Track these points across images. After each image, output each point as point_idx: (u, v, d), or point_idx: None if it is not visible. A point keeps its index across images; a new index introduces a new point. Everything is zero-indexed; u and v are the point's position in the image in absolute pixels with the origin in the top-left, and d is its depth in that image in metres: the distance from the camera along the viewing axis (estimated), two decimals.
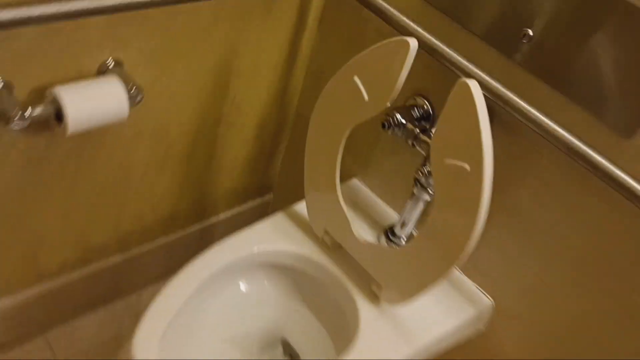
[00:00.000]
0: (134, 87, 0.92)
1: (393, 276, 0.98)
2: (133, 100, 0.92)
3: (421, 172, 0.99)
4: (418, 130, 1.01)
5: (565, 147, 0.85)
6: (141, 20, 0.92)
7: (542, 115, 0.86)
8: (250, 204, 1.46)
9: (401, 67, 0.84)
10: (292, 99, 1.30)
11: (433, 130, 0.98)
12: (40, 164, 0.97)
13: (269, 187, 1.48)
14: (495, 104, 0.90)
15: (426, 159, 1.00)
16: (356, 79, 0.90)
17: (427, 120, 1.05)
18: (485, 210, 0.81)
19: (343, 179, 1.24)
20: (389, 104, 0.88)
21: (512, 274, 1.03)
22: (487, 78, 0.90)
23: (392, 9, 0.98)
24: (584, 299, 0.94)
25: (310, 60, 1.23)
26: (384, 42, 0.85)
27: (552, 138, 0.86)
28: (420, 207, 1.05)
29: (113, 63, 0.93)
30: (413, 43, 0.82)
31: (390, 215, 1.19)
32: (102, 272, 1.24)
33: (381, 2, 0.99)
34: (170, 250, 1.34)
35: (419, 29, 0.96)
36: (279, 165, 1.44)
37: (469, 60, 0.92)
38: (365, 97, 0.89)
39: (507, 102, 0.89)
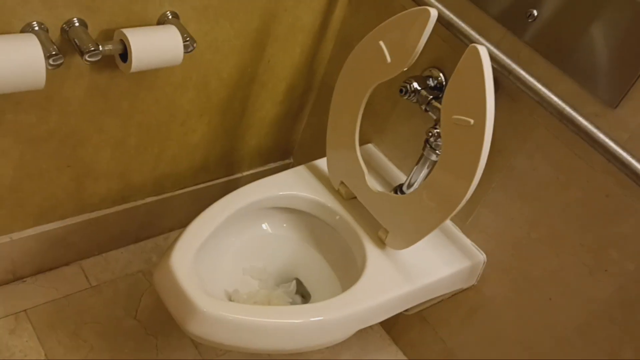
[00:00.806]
0: (188, 37, 1.06)
1: (398, 222, 1.11)
2: (187, 48, 1.06)
3: (431, 133, 1.12)
4: (431, 97, 1.14)
5: (559, 114, 0.98)
6: None
7: (541, 85, 0.99)
8: (272, 165, 1.59)
9: (422, 33, 0.97)
10: (319, 66, 1.43)
11: (442, 96, 1.12)
12: (101, 97, 1.10)
13: (290, 151, 1.61)
14: (501, 74, 1.04)
15: (436, 123, 1.13)
16: (381, 43, 1.03)
17: (440, 90, 1.18)
18: (484, 159, 0.94)
19: (360, 144, 1.37)
20: (407, 67, 1.01)
21: (504, 231, 1.16)
22: (495, 50, 1.04)
23: None
24: (567, 252, 1.07)
25: (340, 32, 1.37)
26: (408, 10, 0.98)
27: (548, 105, 0.99)
28: (427, 167, 1.18)
29: (170, 15, 1.07)
30: (433, 12, 0.95)
31: (401, 177, 1.32)
32: (137, 210, 1.38)
33: None
34: (198, 199, 1.48)
35: (439, 5, 1.09)
36: (301, 130, 1.57)
37: (480, 34, 1.06)
38: (388, 59, 1.03)
39: (511, 71, 1.02)
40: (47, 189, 1.19)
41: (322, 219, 1.22)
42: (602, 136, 0.95)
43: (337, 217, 1.20)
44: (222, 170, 1.49)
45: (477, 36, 1.06)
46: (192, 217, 1.10)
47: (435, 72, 1.19)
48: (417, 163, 1.18)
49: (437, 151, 1.14)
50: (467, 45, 1.05)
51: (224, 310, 0.96)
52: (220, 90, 1.28)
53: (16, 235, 1.22)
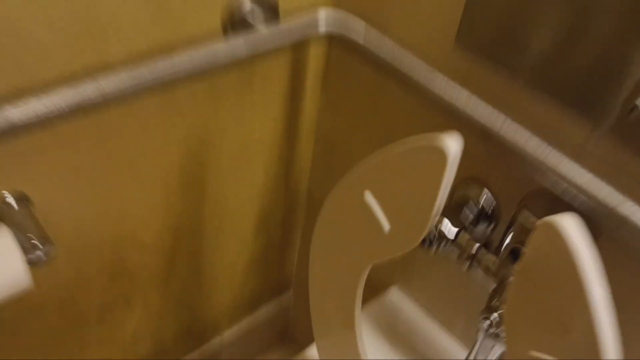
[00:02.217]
0: (37, 238, 0.61)
1: None
2: (37, 258, 0.61)
3: (488, 319, 0.64)
4: (477, 245, 0.66)
5: None
6: (52, 136, 0.61)
7: None
8: (264, 309, 1.13)
9: (438, 185, 0.50)
10: (300, 179, 0.97)
11: (501, 251, 0.64)
12: None
13: (287, 283, 1.16)
14: (597, 212, 0.55)
15: (495, 294, 0.65)
16: (368, 198, 0.56)
17: (489, 219, 0.70)
18: None
19: (378, 289, 0.91)
20: (422, 239, 0.54)
21: None
22: (579, 170, 0.55)
23: (411, 59, 0.65)
24: None
25: (318, 132, 0.91)
26: (407, 147, 0.51)
27: None
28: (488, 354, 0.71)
29: (11, 201, 0.63)
30: (453, 151, 0.48)
31: (443, 341, 0.84)
32: None
33: (392, 60, 0.66)
34: None
35: (459, 91, 0.61)
36: (295, 255, 1.12)
37: (543, 136, 0.58)
38: (386, 227, 0.56)
39: (613, 209, 0.53)
40: None
41: None
42: None
43: None
44: (189, 344, 1.04)
45: (534, 144, 0.58)
46: None
47: (474, 190, 0.71)
48: (472, 351, 0.71)
49: (499, 338, 0.67)
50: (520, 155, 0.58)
51: None
52: (150, 260, 0.83)
53: None
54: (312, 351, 0.82)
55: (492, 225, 0.70)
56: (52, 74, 0.57)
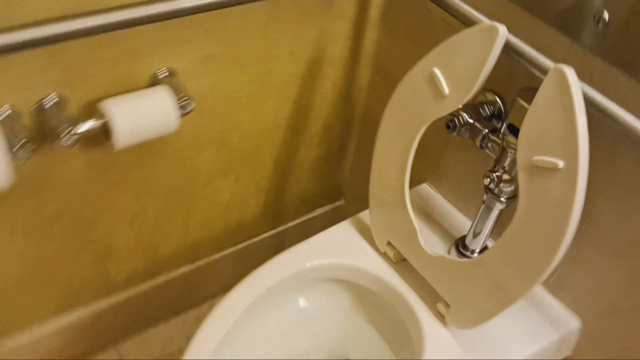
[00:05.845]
0: (184, 98, 0.90)
1: (463, 294, 0.90)
2: (184, 110, 0.90)
3: (490, 178, 0.90)
4: (487, 130, 0.92)
5: None
6: (192, 27, 0.90)
7: (624, 112, 0.75)
8: (320, 210, 1.41)
9: (488, 55, 0.77)
10: (358, 98, 1.24)
11: (502, 129, 0.90)
12: (102, 174, 0.97)
13: (340, 192, 1.43)
14: None
15: (497, 162, 0.91)
16: (436, 70, 0.83)
17: (499, 118, 0.96)
18: (578, 211, 0.73)
19: (412, 185, 1.17)
20: (470, 98, 0.81)
21: (596, 292, 0.92)
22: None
23: None
24: None
25: (376, 57, 1.17)
26: (469, 29, 0.78)
27: (637, 139, 0.75)
28: (493, 215, 0.96)
29: (166, 73, 0.92)
30: (502, 29, 0.76)
31: (464, 224, 1.10)
32: (171, 282, 1.24)
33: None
34: (241, 259, 1.33)
35: (484, 18, 0.87)
36: (348, 168, 1.39)
37: (540, 49, 0.83)
38: (445, 90, 0.82)
39: (585, 97, 0.78)
40: (63, 277, 1.08)
41: (368, 289, 1.02)
42: None
43: (386, 287, 0.99)
44: (263, 225, 1.33)
45: (535, 54, 0.83)
46: (235, 278, 0.96)
47: (490, 96, 0.96)
48: (481, 210, 0.96)
49: (501, 198, 0.92)
50: (524, 63, 0.84)
51: None
52: (244, 142, 1.12)
53: (37, 331, 1.11)
54: (365, 215, 1.08)
55: (499, 122, 0.96)
56: None
